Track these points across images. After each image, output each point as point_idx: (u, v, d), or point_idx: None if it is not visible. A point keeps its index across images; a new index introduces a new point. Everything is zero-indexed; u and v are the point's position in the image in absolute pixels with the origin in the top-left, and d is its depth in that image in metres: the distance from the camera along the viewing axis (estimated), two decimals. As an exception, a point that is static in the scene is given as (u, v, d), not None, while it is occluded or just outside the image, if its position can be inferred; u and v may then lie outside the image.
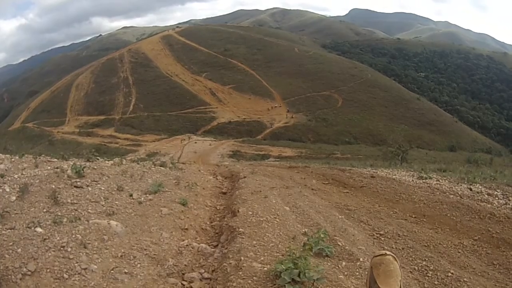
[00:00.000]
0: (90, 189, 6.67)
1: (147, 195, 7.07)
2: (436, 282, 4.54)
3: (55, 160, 9.85)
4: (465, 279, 4.53)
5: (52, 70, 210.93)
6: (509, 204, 7.39)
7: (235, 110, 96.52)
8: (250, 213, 6.27)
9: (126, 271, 4.24)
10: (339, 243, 5.10)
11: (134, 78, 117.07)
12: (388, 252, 2.44)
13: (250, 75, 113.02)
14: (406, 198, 8.22)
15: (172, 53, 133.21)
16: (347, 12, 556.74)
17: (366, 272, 2.65)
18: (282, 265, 3.85)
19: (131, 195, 6.82)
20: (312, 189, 9.63)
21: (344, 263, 4.54)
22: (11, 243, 4.16)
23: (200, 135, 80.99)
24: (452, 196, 8.10)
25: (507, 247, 5.57)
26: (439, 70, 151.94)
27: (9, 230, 4.47)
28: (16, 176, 6.74)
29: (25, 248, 4.11)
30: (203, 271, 4.82)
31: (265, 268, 4.14)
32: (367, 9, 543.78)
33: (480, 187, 9.08)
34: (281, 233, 5.39)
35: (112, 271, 4.17)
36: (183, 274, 4.70)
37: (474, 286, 4.43)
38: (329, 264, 4.46)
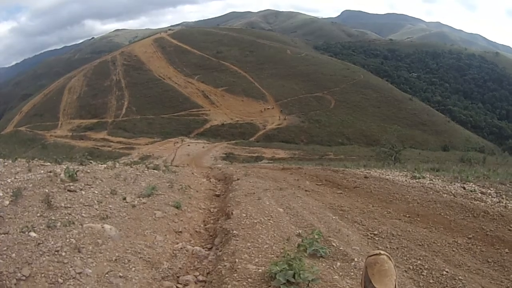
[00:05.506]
0: (83, 193, 6.63)
1: (141, 199, 7.06)
2: (431, 281, 4.56)
3: (48, 164, 9.75)
4: (460, 277, 4.55)
5: (45, 73, 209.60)
6: (502, 202, 7.42)
7: (228, 112, 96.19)
8: (244, 215, 6.27)
9: (121, 274, 4.24)
10: (333, 243, 5.11)
11: (126, 81, 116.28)
12: (382, 252, 2.45)
13: (243, 77, 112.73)
14: (399, 198, 8.24)
15: (164, 55, 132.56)
16: (339, 13, 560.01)
17: (361, 272, 2.66)
18: (277, 267, 3.86)
19: (124, 199, 6.80)
20: (306, 190, 9.62)
21: (338, 264, 4.55)
22: (5, 248, 4.13)
23: (193, 138, 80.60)
24: (445, 195, 8.12)
25: (501, 244, 5.61)
26: (431, 71, 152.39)
27: (3, 235, 4.43)
28: (9, 180, 6.68)
29: (19, 253, 4.09)
30: (197, 273, 4.83)
31: (260, 270, 4.15)
32: (359, 11, 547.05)
33: (473, 185, 9.10)
34: (275, 234, 5.40)
35: (106, 275, 4.16)
36: (178, 277, 4.71)
37: (469, 284, 4.46)
38: (323, 264, 4.47)
